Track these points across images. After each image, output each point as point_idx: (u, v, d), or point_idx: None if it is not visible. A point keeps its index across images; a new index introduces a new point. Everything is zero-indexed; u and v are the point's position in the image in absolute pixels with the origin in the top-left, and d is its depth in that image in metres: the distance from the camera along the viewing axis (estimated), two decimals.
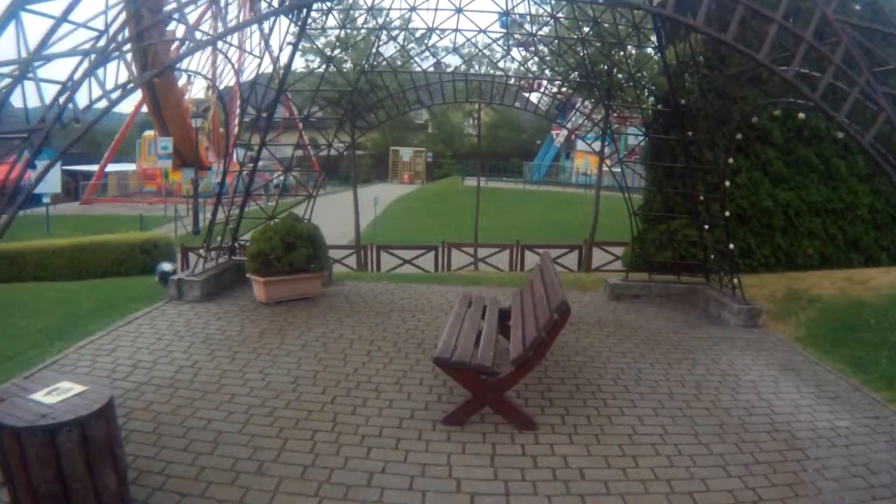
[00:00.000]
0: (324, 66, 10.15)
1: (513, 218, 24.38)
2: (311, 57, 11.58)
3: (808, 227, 12.60)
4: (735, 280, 9.61)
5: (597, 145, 14.56)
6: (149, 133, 42.06)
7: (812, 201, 12.58)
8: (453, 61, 20.55)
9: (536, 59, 11.87)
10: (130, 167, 45.48)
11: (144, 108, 38.13)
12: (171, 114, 33.52)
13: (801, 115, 8.15)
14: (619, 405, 6.21)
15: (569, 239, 20.87)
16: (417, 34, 10.69)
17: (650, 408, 6.20)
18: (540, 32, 10.77)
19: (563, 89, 13.37)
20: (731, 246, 9.69)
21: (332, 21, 10.52)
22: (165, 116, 33.97)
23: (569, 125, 38.65)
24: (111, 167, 44.09)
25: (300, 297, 9.55)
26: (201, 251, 9.98)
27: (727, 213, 9.49)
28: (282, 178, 11.42)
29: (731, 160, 9.34)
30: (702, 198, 10.33)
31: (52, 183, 30.65)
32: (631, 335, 8.63)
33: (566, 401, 6.24)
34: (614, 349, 7.99)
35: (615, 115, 13.97)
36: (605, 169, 38.28)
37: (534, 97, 17.54)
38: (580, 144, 40.20)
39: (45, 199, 30.14)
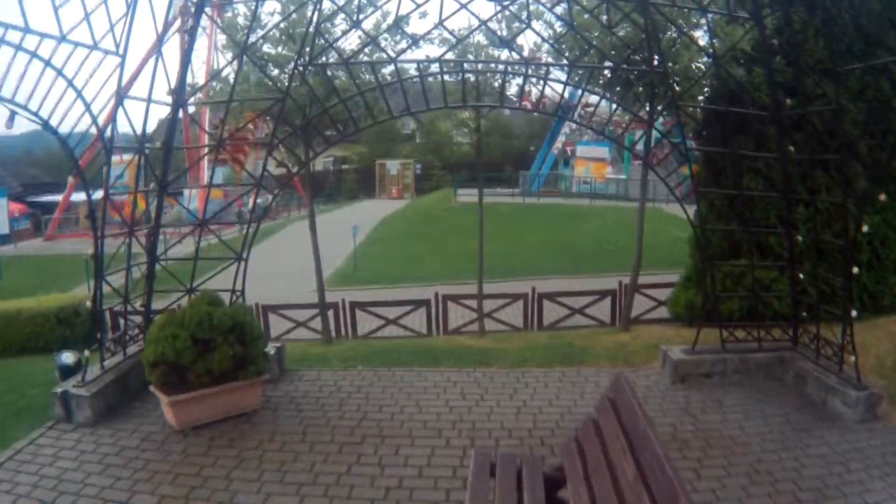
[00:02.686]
0: (249, 64, 7.09)
1: (516, 241, 21.23)
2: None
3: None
4: (853, 358, 6.62)
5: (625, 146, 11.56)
6: (117, 158, 38.43)
7: None
8: (433, 52, 16.63)
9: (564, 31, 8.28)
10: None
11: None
12: None
13: None
14: None
15: (584, 266, 17.89)
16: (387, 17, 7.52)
17: None
18: None
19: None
20: (854, 313, 6.65)
21: None
22: None
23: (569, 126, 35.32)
24: (80, 196, 40.35)
25: (232, 414, 6.47)
26: (86, 354, 6.86)
27: (855, 270, 6.45)
28: (258, 200, 8.63)
29: (882, 196, 6.32)
30: (799, 237, 7.36)
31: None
32: (728, 462, 5.72)
33: None
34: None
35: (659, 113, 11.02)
36: (609, 176, 35.44)
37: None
38: (580, 150, 37.23)
39: None
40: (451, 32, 8.24)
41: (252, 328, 6.31)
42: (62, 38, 4.77)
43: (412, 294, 16.46)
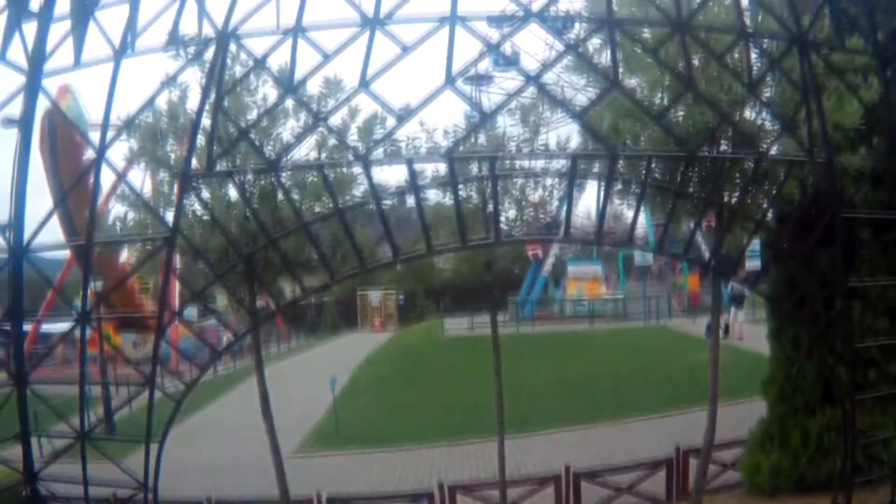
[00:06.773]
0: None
1: (518, 383, 18.45)
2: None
3: None
4: None
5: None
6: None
7: None
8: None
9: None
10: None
11: None
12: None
13: None
14: None
15: (605, 412, 15.29)
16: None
17: None
18: None
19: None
20: None
21: None
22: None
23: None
24: (52, 327, 35.71)
25: None
26: None
27: None
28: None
29: None
30: None
31: None
32: None
33: None
34: None
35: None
36: (604, 295, 33.43)
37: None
38: (572, 270, 35.39)
39: None
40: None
41: None
42: None
43: (404, 459, 13.96)
